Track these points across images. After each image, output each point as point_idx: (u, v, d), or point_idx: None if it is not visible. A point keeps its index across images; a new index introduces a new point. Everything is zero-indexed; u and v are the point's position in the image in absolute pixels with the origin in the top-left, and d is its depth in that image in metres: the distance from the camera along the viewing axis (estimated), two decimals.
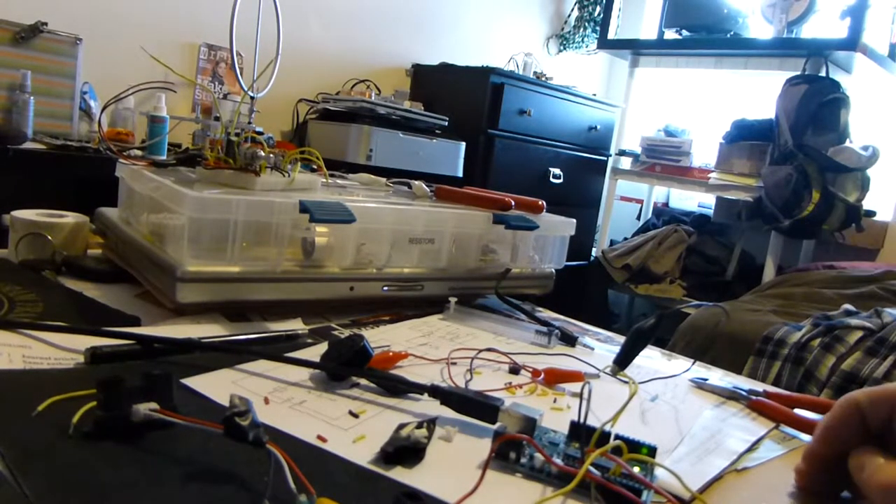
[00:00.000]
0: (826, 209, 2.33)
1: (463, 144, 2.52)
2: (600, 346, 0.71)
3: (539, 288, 0.87)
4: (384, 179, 0.97)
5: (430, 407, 0.46)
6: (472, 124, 2.60)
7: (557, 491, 0.37)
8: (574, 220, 0.89)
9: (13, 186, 1.55)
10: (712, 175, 2.75)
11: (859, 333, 1.62)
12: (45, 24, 1.88)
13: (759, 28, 2.86)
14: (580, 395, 0.40)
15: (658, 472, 0.40)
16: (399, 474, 0.37)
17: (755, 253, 2.86)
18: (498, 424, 0.42)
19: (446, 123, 2.51)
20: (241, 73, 0.88)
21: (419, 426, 0.40)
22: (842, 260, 2.49)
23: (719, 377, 0.66)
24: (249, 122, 0.86)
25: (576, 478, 0.36)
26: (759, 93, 2.92)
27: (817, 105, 2.36)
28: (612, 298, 3.29)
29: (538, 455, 0.39)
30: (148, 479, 0.33)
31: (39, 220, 0.73)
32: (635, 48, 3.16)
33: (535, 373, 0.57)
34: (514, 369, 0.58)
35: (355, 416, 0.44)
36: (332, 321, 0.66)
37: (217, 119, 1.60)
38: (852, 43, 2.38)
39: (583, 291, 3.06)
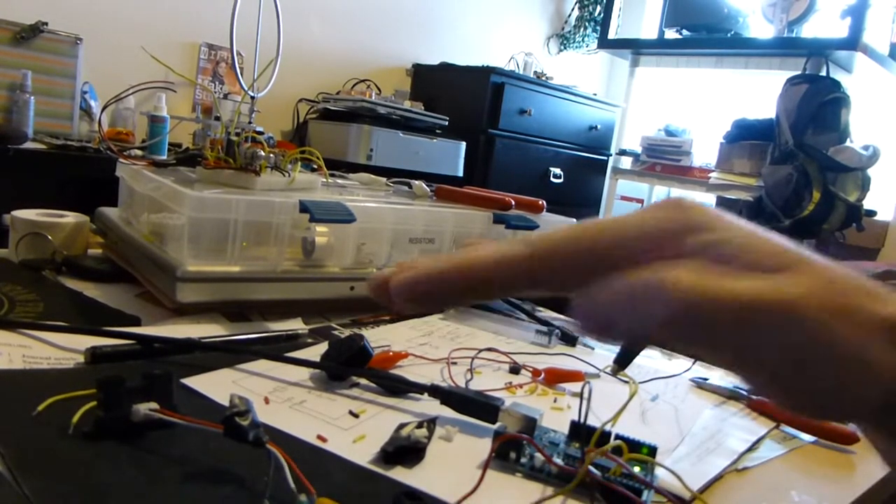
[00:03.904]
0: (826, 209, 2.33)
1: (463, 144, 2.52)
2: (600, 346, 0.71)
3: None
4: (384, 179, 0.97)
5: (431, 407, 0.46)
6: (472, 124, 2.60)
7: (557, 491, 0.37)
8: (574, 220, 0.89)
9: (13, 186, 1.55)
10: (713, 175, 2.75)
11: None
12: (46, 23, 1.88)
13: (760, 28, 2.86)
14: (580, 395, 0.40)
15: (658, 471, 0.40)
16: (399, 474, 0.37)
17: None
18: (498, 424, 0.42)
19: (446, 123, 2.51)
20: (242, 73, 0.88)
21: (419, 426, 0.40)
22: (842, 259, 2.47)
23: (720, 377, 0.66)
24: (250, 122, 0.86)
25: (576, 478, 0.36)
26: (759, 92, 2.92)
27: (818, 104, 2.36)
28: None
29: (538, 455, 0.39)
30: (148, 478, 0.33)
31: (40, 220, 0.73)
32: (636, 48, 3.16)
33: (536, 372, 0.57)
34: (515, 369, 0.58)
35: (355, 415, 0.44)
36: (332, 321, 0.66)
37: (217, 119, 1.60)
38: (853, 42, 2.38)
39: None
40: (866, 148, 2.33)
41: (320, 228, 0.66)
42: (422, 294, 0.24)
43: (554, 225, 0.87)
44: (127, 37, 2.12)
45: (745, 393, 0.59)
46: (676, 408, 0.55)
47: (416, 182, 0.92)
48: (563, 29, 3.62)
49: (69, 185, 1.61)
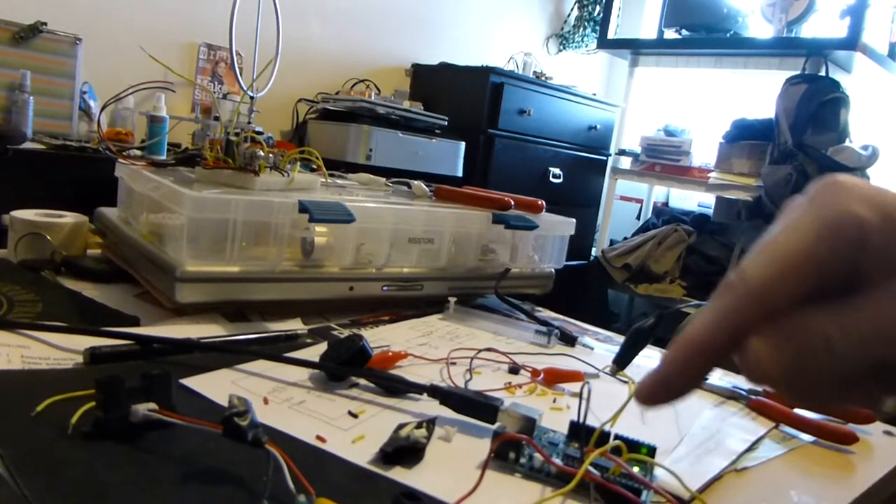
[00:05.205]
0: None
1: (462, 144, 2.52)
2: (600, 346, 0.71)
3: (539, 287, 0.87)
4: (384, 179, 0.97)
5: (430, 407, 0.46)
6: (471, 124, 2.60)
7: (557, 491, 0.37)
8: (574, 220, 0.88)
9: (13, 186, 1.54)
10: (712, 175, 2.75)
11: None
12: (45, 23, 1.88)
13: (759, 27, 2.86)
14: (580, 395, 0.40)
15: (657, 471, 0.40)
16: (398, 474, 0.37)
17: None
18: (497, 424, 0.42)
19: (446, 123, 2.51)
20: (241, 73, 0.88)
21: (418, 426, 0.40)
22: None
23: (719, 377, 0.66)
24: (249, 122, 0.86)
25: (575, 478, 0.36)
26: (758, 92, 2.92)
27: (817, 104, 2.36)
28: (611, 298, 3.29)
29: (537, 455, 0.39)
30: (147, 478, 0.33)
31: (39, 221, 0.73)
32: (635, 48, 3.16)
33: (535, 373, 0.57)
34: (514, 369, 0.58)
35: (354, 416, 0.44)
36: (331, 321, 0.66)
37: (216, 119, 1.60)
38: (852, 42, 2.38)
39: (582, 291, 3.06)
40: (865, 148, 2.33)
41: (319, 228, 0.66)
42: (668, 392, 0.24)
43: (552, 225, 0.87)
44: (126, 37, 2.12)
45: (744, 393, 0.59)
46: (676, 408, 0.55)
47: (416, 182, 0.92)
48: (562, 29, 3.62)
49: (68, 186, 1.60)
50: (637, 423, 0.50)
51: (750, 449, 0.48)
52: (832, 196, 0.22)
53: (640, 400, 0.25)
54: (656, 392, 0.24)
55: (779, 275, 0.22)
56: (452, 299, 0.75)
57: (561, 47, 3.63)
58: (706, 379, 0.26)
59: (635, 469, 0.38)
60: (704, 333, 0.24)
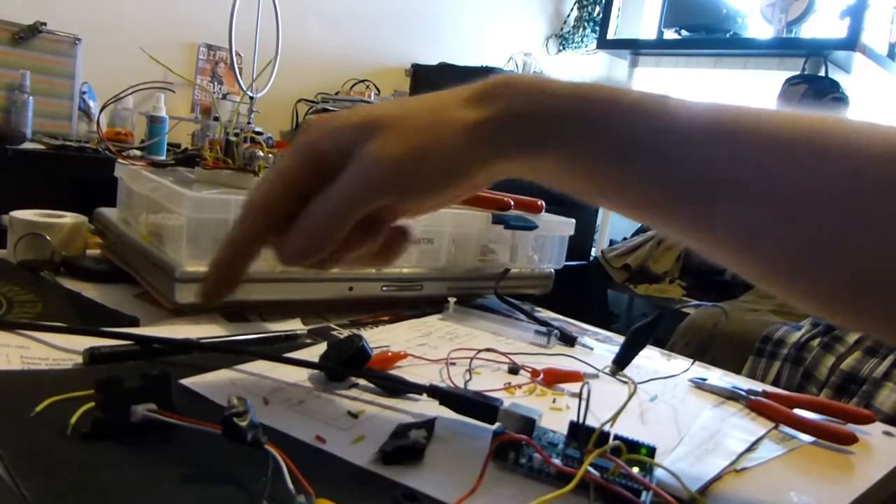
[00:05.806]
0: None
1: None
2: (599, 346, 0.71)
3: (538, 288, 0.87)
4: None
5: (429, 407, 0.46)
6: None
7: (556, 491, 0.37)
8: (573, 220, 0.88)
9: (12, 186, 1.54)
10: None
11: (859, 333, 1.62)
12: (45, 24, 1.88)
13: (759, 28, 2.86)
14: (579, 396, 0.40)
15: (657, 472, 0.40)
16: (398, 475, 0.37)
17: None
18: (497, 425, 0.42)
19: None
20: (241, 73, 0.88)
21: (418, 426, 0.40)
22: None
23: (718, 377, 0.66)
24: (248, 122, 0.86)
25: (574, 478, 0.36)
26: (758, 93, 2.92)
27: (817, 105, 2.36)
28: (611, 298, 3.29)
29: (537, 455, 0.39)
30: (146, 479, 0.33)
31: (38, 221, 0.73)
32: (635, 48, 3.16)
33: (535, 373, 0.57)
34: (514, 369, 0.58)
35: (354, 416, 0.44)
36: (330, 321, 0.66)
37: (216, 119, 1.60)
38: (851, 43, 2.38)
39: (582, 291, 3.06)
40: None
41: None
42: (221, 291, 0.38)
43: (552, 225, 0.87)
44: (125, 37, 2.12)
45: (743, 393, 0.59)
46: (675, 408, 0.55)
47: None
48: (562, 29, 3.63)
49: (68, 186, 1.60)
50: (637, 424, 0.50)
51: (749, 449, 0.48)
52: (301, 134, 0.35)
53: (203, 299, 0.37)
54: (213, 291, 0.37)
55: (272, 191, 0.35)
56: (452, 299, 0.75)
57: (561, 47, 3.63)
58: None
59: (635, 469, 0.38)
60: (237, 243, 0.36)
